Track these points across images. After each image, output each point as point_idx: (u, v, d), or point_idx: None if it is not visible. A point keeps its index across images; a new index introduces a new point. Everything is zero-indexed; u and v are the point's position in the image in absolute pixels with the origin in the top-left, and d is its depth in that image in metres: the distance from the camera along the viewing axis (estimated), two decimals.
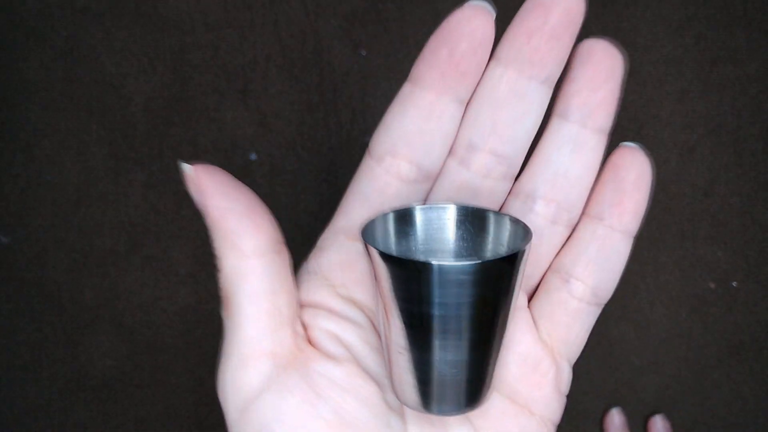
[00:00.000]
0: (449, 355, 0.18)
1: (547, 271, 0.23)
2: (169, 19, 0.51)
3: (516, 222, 0.20)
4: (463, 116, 0.22)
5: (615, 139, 0.53)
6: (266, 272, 0.20)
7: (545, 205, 0.21)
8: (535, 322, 0.23)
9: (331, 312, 0.22)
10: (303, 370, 0.20)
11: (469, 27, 0.20)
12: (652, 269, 0.53)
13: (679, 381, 0.53)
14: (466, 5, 0.21)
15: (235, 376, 0.20)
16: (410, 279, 0.18)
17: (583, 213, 0.22)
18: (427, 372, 0.19)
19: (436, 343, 0.18)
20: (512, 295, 0.19)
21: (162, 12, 0.51)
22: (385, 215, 0.21)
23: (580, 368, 0.54)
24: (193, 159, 0.53)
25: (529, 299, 0.23)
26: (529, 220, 0.21)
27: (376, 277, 0.19)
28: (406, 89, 0.22)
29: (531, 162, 0.22)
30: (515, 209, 0.22)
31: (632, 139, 0.54)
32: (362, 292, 0.22)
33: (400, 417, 0.22)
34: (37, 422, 0.52)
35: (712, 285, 0.53)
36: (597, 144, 0.22)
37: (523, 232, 0.20)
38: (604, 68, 0.21)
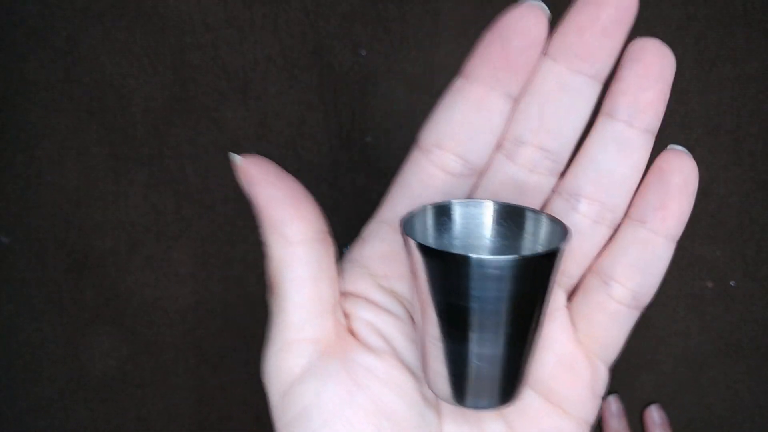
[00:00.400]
0: (485, 350, 0.19)
1: (587, 272, 0.23)
2: (169, 19, 0.50)
3: (554, 221, 0.20)
4: (512, 112, 0.22)
5: None
6: (310, 259, 0.20)
7: (589, 205, 0.21)
8: (573, 322, 0.23)
9: (372, 303, 0.22)
10: (343, 359, 0.21)
11: (522, 25, 0.20)
12: None
13: (677, 379, 0.53)
14: (522, 3, 0.21)
15: (278, 361, 0.20)
16: (447, 271, 0.18)
17: (626, 215, 0.22)
18: (462, 365, 0.19)
19: (472, 337, 0.18)
20: (548, 292, 0.19)
21: (162, 12, 0.50)
22: (424, 208, 0.21)
23: None
24: (193, 159, 0.53)
25: (569, 299, 0.23)
26: (572, 219, 0.21)
27: (413, 269, 0.19)
28: (458, 83, 0.22)
29: (576, 160, 0.22)
30: (559, 207, 0.22)
31: None
32: (403, 285, 0.23)
33: (435, 411, 0.22)
34: (37, 422, 0.52)
35: (710, 284, 0.53)
36: (644, 144, 0.22)
37: (561, 232, 0.20)
38: (654, 68, 0.21)
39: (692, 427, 0.53)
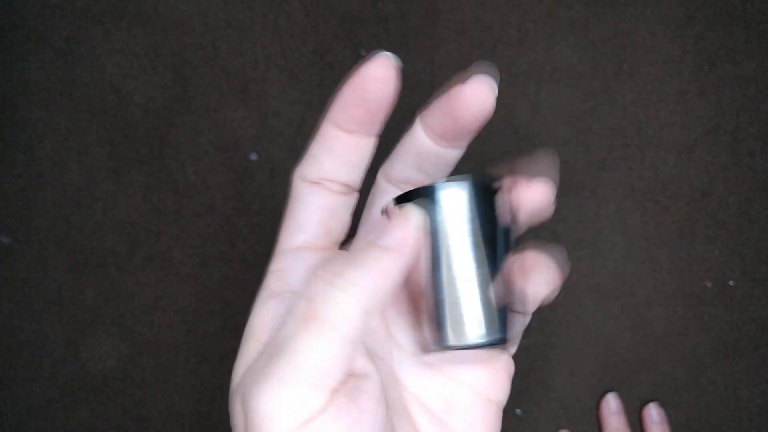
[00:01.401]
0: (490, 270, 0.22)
1: None
2: (169, 19, 0.50)
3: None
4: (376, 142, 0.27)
5: (613, 139, 0.53)
6: (361, 324, 0.21)
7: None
8: None
9: None
10: (347, 390, 0.21)
11: (376, 79, 0.24)
12: (650, 268, 0.53)
13: (675, 379, 0.53)
14: (376, 57, 0.24)
15: (295, 401, 0.20)
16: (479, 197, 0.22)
17: None
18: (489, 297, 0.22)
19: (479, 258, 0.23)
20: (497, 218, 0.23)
21: (162, 12, 0.50)
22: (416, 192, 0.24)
23: (577, 366, 0.54)
24: (193, 159, 0.53)
25: None
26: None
27: (437, 225, 0.22)
28: (327, 129, 0.26)
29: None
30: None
31: (630, 139, 0.54)
32: None
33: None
34: (38, 422, 0.52)
35: (709, 284, 0.53)
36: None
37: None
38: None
39: (691, 427, 0.53)
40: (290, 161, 0.52)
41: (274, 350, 0.21)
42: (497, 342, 0.22)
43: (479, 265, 0.22)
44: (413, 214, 0.22)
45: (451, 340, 0.22)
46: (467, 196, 0.23)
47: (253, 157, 0.52)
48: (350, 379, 0.21)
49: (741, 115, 0.52)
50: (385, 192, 0.29)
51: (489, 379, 0.24)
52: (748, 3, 0.52)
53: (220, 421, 0.53)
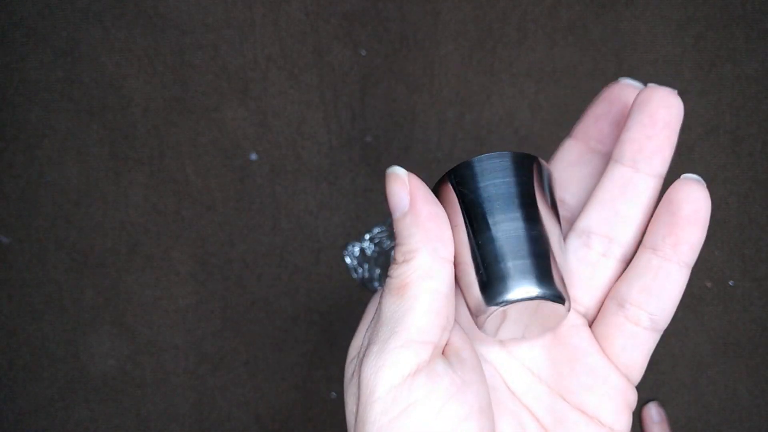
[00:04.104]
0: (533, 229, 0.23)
1: (606, 299, 0.24)
2: (169, 19, 0.50)
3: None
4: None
5: None
6: (450, 279, 0.23)
7: (598, 241, 0.24)
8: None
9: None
10: (448, 358, 0.23)
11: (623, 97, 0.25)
12: None
13: (676, 378, 0.53)
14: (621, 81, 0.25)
15: (395, 356, 0.22)
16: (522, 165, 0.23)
17: (641, 244, 0.24)
18: (543, 245, 0.22)
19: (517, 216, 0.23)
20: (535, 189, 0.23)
21: (162, 12, 0.50)
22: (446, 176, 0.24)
23: None
24: (193, 159, 0.53)
25: (590, 325, 0.25)
26: (583, 253, 0.24)
27: (480, 191, 0.23)
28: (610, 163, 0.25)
29: (589, 201, 0.25)
30: (573, 243, 0.25)
31: None
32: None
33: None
34: (38, 421, 0.52)
35: (709, 284, 0.53)
36: (650, 186, 0.24)
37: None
38: (660, 117, 0.23)
39: (691, 426, 0.53)
40: (290, 161, 0.52)
41: (373, 325, 0.23)
42: (551, 297, 0.22)
43: (527, 222, 0.23)
44: (393, 171, 0.23)
45: (504, 294, 0.22)
46: (509, 164, 0.23)
47: (253, 157, 0.52)
48: (450, 349, 0.23)
49: (741, 114, 0.52)
50: None
51: (600, 402, 0.24)
52: (748, 3, 0.52)
53: (220, 421, 0.53)
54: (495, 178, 0.23)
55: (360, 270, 0.53)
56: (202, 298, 0.52)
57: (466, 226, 0.23)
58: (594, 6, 0.53)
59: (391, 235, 0.53)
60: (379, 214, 0.53)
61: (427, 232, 0.22)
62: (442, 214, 0.23)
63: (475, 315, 0.23)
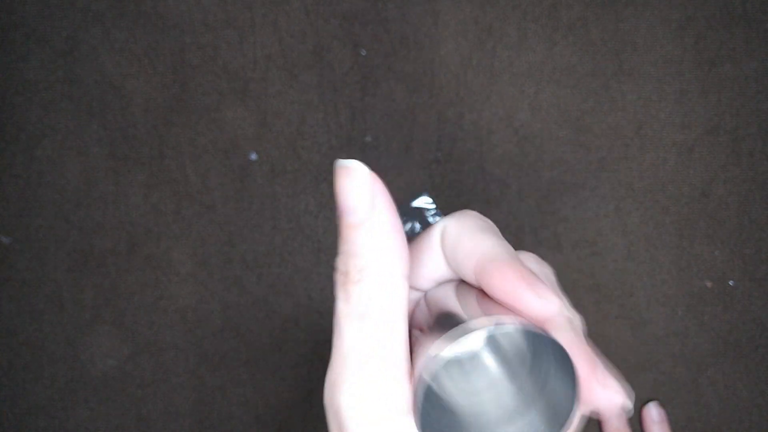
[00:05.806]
0: None
1: None
2: (169, 19, 0.50)
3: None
4: None
5: (613, 139, 0.53)
6: (406, 297, 0.21)
7: None
8: None
9: None
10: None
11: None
12: (650, 268, 0.53)
13: (675, 378, 0.53)
14: None
15: (382, 393, 0.20)
16: None
17: None
18: None
19: None
20: None
21: (162, 12, 0.50)
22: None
23: None
24: (193, 159, 0.53)
25: None
26: None
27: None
28: None
29: None
30: None
31: (630, 139, 0.54)
32: None
33: None
34: (38, 421, 0.52)
35: (709, 284, 0.53)
36: None
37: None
38: None
39: (691, 426, 0.53)
40: (290, 161, 0.52)
41: (338, 351, 0.21)
42: None
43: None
44: (350, 164, 0.20)
45: None
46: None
47: (253, 157, 0.52)
48: None
49: (741, 114, 0.52)
50: None
51: None
52: (748, 3, 0.52)
53: (220, 421, 0.53)
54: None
55: None
56: (202, 298, 0.52)
57: None
58: (594, 6, 0.53)
59: None
60: None
61: (390, 250, 0.19)
62: (401, 225, 0.20)
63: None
